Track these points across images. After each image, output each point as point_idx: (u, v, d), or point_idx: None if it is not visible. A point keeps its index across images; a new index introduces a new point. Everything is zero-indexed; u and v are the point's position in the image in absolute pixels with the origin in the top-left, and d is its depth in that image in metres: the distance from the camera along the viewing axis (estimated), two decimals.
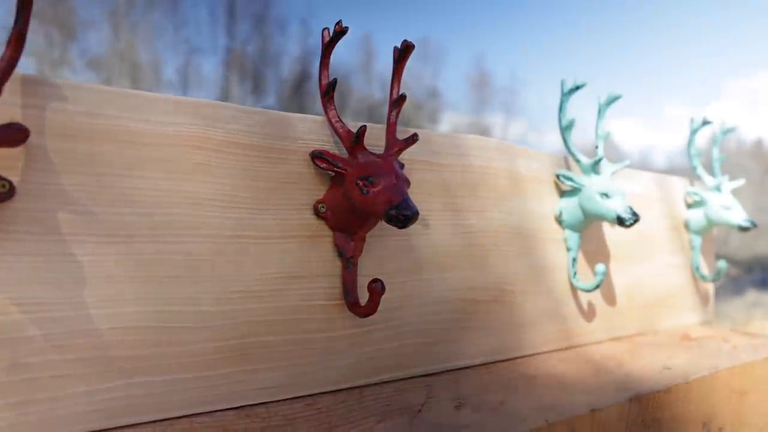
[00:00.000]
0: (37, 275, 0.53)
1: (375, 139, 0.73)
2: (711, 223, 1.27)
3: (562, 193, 1.02)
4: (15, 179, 0.52)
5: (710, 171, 1.34)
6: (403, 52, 0.71)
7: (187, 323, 0.62)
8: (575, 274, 1.00)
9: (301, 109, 0.72)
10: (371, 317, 0.72)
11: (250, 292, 0.66)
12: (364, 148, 0.68)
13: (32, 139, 0.53)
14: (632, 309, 1.16)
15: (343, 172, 0.68)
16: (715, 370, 0.89)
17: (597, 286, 0.97)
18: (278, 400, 0.68)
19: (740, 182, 1.28)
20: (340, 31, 0.68)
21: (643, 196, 1.19)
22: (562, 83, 0.99)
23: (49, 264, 0.54)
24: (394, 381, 0.78)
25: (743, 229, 1.20)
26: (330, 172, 0.70)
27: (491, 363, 0.90)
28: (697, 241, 1.31)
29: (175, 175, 0.62)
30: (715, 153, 1.33)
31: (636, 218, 0.91)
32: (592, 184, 0.96)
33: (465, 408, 0.68)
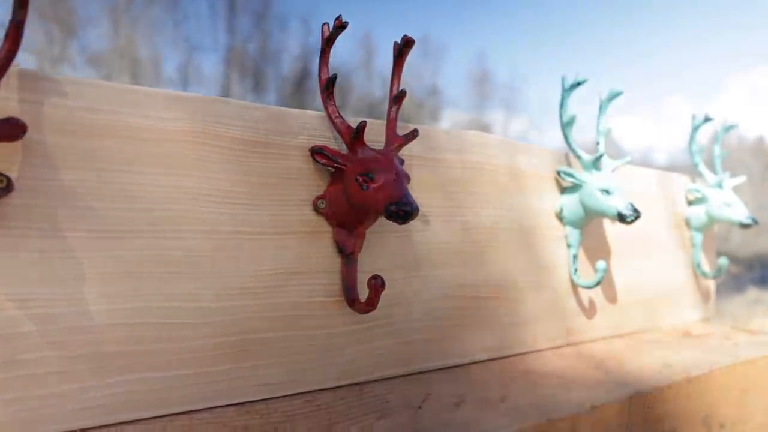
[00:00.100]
0: (35, 271, 0.53)
1: (375, 135, 0.73)
2: (712, 220, 1.27)
3: (563, 190, 1.01)
4: (13, 175, 0.52)
5: (711, 168, 1.33)
6: (403, 48, 0.70)
7: (187, 319, 0.62)
8: (576, 270, 1.00)
9: (302, 107, 0.71)
10: (371, 314, 0.71)
11: (249, 288, 0.66)
12: (364, 144, 0.68)
13: (31, 134, 0.53)
14: (633, 306, 1.16)
15: (342, 167, 0.67)
16: (716, 367, 0.88)
17: (598, 283, 0.97)
18: (278, 397, 0.68)
19: (741, 179, 1.28)
20: (340, 26, 0.67)
21: (643, 192, 1.18)
22: (563, 79, 0.98)
23: (46, 260, 0.54)
24: (394, 378, 0.78)
25: (744, 226, 1.20)
26: (330, 168, 0.70)
27: (491, 360, 0.89)
28: (698, 238, 1.31)
29: (175, 171, 0.61)
30: (717, 150, 1.33)
31: (637, 215, 0.91)
32: (593, 180, 0.96)
33: (465, 405, 0.68)
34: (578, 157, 0.99)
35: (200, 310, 0.63)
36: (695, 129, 1.31)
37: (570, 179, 0.98)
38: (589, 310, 1.06)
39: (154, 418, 0.60)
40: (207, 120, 0.64)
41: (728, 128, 1.34)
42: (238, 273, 0.65)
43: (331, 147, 0.70)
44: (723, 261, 1.26)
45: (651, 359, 0.93)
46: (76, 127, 0.56)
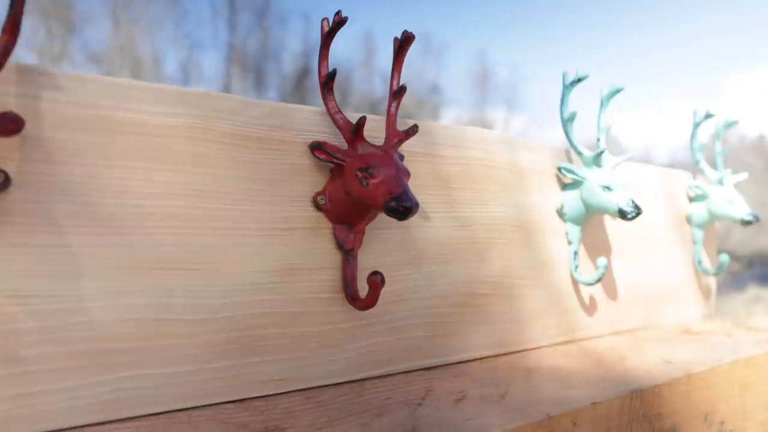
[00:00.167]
0: (33, 267, 0.53)
1: (375, 131, 0.72)
2: (713, 217, 1.27)
3: (564, 186, 1.01)
4: (11, 170, 0.51)
5: (713, 165, 1.33)
6: (403, 43, 0.70)
7: (186, 316, 0.62)
8: (577, 267, 1.00)
9: (303, 105, 0.71)
10: (371, 310, 0.71)
11: (248, 285, 0.66)
12: (364, 140, 0.67)
13: (29, 129, 0.52)
14: (634, 303, 1.16)
15: (342, 163, 0.67)
16: (717, 364, 0.88)
17: (598, 280, 0.97)
18: (278, 394, 0.68)
19: (743, 176, 1.27)
20: (340, 21, 0.67)
21: (644, 189, 1.18)
22: (564, 75, 0.98)
23: (45, 255, 0.53)
24: (395, 374, 0.78)
25: (746, 223, 1.20)
26: (329, 164, 0.69)
27: (492, 356, 0.89)
28: (699, 235, 1.30)
29: (174, 166, 0.61)
30: (718, 146, 1.32)
31: (638, 211, 0.91)
32: (593, 176, 0.96)
33: (465, 402, 0.68)
34: (579, 154, 0.99)
35: (200, 306, 0.62)
36: (696, 126, 1.30)
37: (571, 176, 0.97)
38: (590, 307, 1.06)
39: (153, 415, 0.60)
40: (206, 115, 0.63)
41: (729, 125, 1.34)
42: (237, 269, 0.65)
43: (331, 143, 0.69)
44: (724, 258, 1.25)
45: (652, 356, 0.93)
46: (76, 122, 0.55)
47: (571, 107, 0.98)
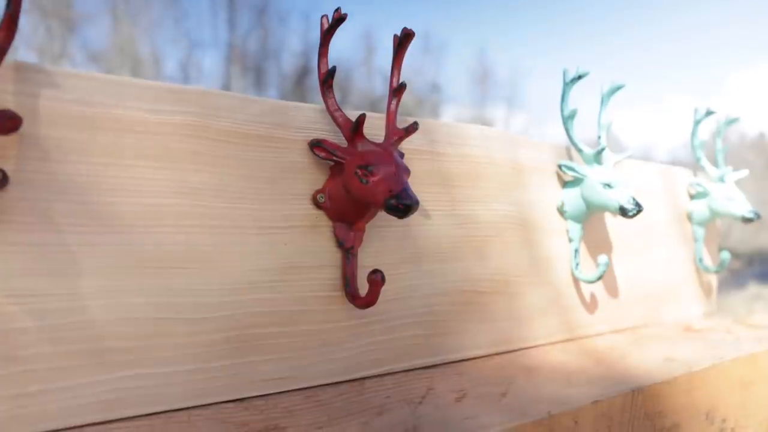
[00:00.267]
0: (31, 265, 0.53)
1: (375, 129, 0.72)
2: (714, 214, 1.26)
3: (565, 184, 1.01)
4: (9, 168, 0.51)
5: (713, 162, 1.32)
6: (403, 40, 0.70)
7: (186, 315, 0.61)
8: (577, 265, 1.00)
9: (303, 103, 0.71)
10: (371, 309, 0.71)
11: (248, 283, 0.65)
12: (364, 137, 0.67)
13: (27, 127, 0.52)
14: (635, 300, 1.15)
15: (342, 161, 0.67)
16: (718, 361, 0.88)
17: (599, 278, 0.96)
18: (277, 393, 0.68)
19: (744, 173, 1.27)
20: (339, 18, 0.67)
21: (645, 187, 1.18)
22: (565, 72, 0.97)
23: (43, 254, 0.53)
24: (395, 373, 0.78)
25: (747, 220, 1.19)
26: (329, 162, 0.69)
27: (492, 355, 0.89)
28: (700, 232, 1.30)
29: (173, 164, 0.61)
30: (718, 144, 1.32)
31: (639, 208, 0.91)
32: (594, 174, 0.95)
33: (466, 400, 0.67)
34: (580, 151, 0.99)
35: (199, 305, 0.62)
36: (697, 123, 1.30)
37: (571, 173, 0.97)
38: (591, 305, 1.06)
39: (152, 414, 0.60)
40: (205, 113, 0.63)
41: (730, 122, 1.33)
42: (237, 267, 0.65)
43: (331, 140, 0.69)
44: (725, 255, 1.25)
45: (653, 354, 0.93)
46: (73, 119, 0.55)
47: (571, 104, 0.98)
